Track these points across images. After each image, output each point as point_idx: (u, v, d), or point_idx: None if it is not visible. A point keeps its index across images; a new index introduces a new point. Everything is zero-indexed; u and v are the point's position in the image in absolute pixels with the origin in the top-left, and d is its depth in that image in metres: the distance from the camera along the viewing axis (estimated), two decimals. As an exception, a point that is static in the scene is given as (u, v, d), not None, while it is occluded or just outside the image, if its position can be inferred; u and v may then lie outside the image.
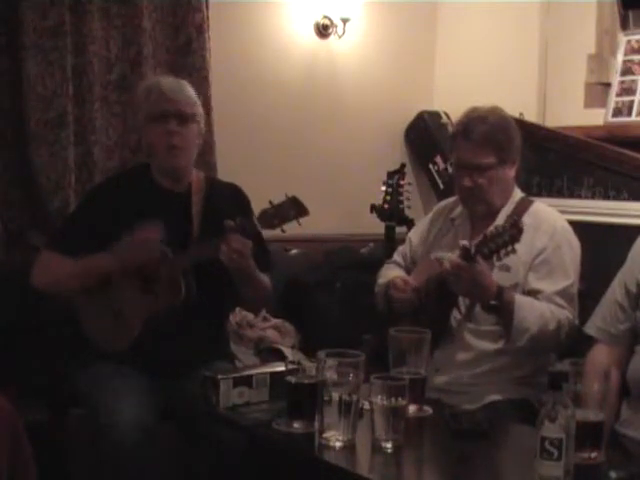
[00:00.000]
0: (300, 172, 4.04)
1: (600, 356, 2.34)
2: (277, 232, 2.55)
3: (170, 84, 2.72)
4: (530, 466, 1.71)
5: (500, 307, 2.47)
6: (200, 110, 2.76)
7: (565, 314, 2.52)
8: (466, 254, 2.38)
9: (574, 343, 2.53)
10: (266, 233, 2.61)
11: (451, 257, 2.43)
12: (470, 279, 2.40)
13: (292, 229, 2.58)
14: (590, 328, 2.43)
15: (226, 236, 2.47)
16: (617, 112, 3.72)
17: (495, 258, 2.40)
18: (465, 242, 2.45)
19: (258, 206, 2.63)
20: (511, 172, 2.66)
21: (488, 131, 2.58)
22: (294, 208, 2.48)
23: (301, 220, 2.52)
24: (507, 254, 2.37)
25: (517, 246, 2.35)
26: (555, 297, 2.53)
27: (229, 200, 2.76)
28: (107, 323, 2.64)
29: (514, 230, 2.33)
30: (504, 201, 2.67)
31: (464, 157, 2.62)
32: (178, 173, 2.73)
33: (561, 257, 2.58)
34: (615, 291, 2.38)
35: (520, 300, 2.49)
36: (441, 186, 4.19)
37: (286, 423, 2.04)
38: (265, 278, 2.72)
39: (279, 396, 2.15)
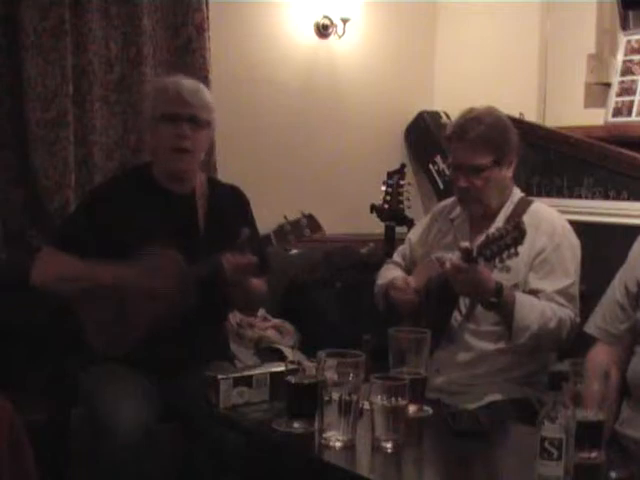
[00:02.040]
0: (300, 172, 4.05)
1: (600, 355, 2.34)
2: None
3: (190, 86, 2.67)
4: (530, 466, 1.71)
5: (500, 305, 2.47)
6: (214, 116, 2.72)
7: (566, 312, 2.52)
8: (468, 256, 2.38)
9: (574, 343, 2.53)
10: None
11: (452, 258, 2.43)
12: (470, 281, 2.40)
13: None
14: (590, 327, 2.43)
15: (233, 254, 2.48)
16: (617, 112, 3.72)
17: (497, 260, 2.39)
18: (467, 244, 2.44)
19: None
20: (508, 172, 2.66)
21: (483, 132, 2.58)
22: (310, 226, 2.50)
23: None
24: (509, 257, 2.36)
25: (519, 248, 2.35)
26: (556, 296, 2.53)
27: (231, 201, 2.76)
28: (108, 326, 2.63)
29: (516, 232, 2.32)
30: (502, 201, 2.66)
31: (460, 158, 2.62)
32: (181, 176, 2.71)
33: (561, 257, 2.57)
34: (615, 291, 2.37)
35: (520, 298, 2.49)
36: (441, 186, 4.19)
37: (286, 423, 2.04)
38: (260, 284, 2.72)
39: (279, 396, 2.15)
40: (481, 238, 2.46)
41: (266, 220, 2.63)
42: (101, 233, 2.63)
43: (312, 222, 2.52)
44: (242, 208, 2.76)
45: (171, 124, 2.63)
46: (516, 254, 2.36)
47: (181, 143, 2.63)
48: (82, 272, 2.61)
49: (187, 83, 2.69)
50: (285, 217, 2.50)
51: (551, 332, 2.49)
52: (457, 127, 2.63)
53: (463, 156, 2.60)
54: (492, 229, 2.49)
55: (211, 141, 2.86)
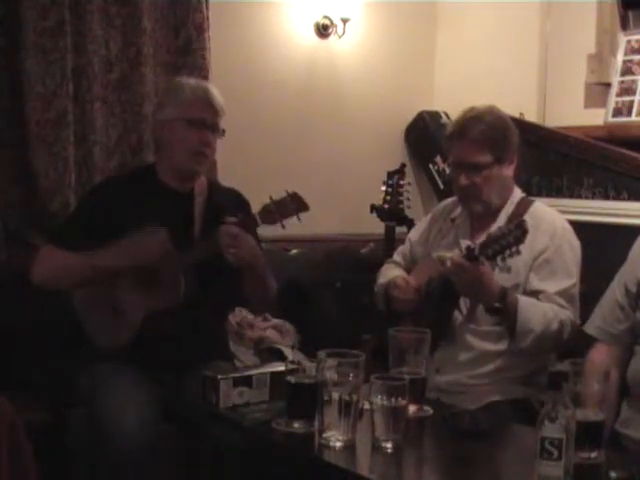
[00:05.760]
0: (300, 172, 4.04)
1: (600, 356, 2.34)
2: (278, 231, 2.56)
3: (217, 94, 2.71)
4: (530, 466, 1.71)
5: (503, 309, 2.47)
6: None
7: (567, 314, 2.52)
8: (470, 254, 2.38)
9: (574, 343, 2.53)
10: (267, 231, 2.63)
11: (454, 256, 2.43)
12: (472, 280, 2.40)
13: (292, 229, 2.58)
14: (590, 328, 2.43)
15: (223, 228, 2.49)
16: (617, 112, 3.72)
17: (499, 259, 2.39)
18: (469, 243, 2.45)
19: (258, 205, 2.64)
20: (509, 171, 2.66)
21: (484, 130, 2.58)
22: (294, 203, 2.52)
23: (302, 219, 2.55)
24: (511, 255, 2.36)
25: (521, 247, 2.35)
26: (556, 297, 2.53)
27: (230, 204, 2.76)
28: (107, 320, 2.64)
29: (519, 231, 2.32)
30: (503, 200, 2.67)
31: (461, 156, 2.62)
32: (192, 177, 2.74)
33: (562, 257, 2.57)
34: (615, 291, 2.38)
35: (523, 301, 2.49)
36: (441, 186, 4.20)
37: (286, 423, 2.04)
38: (272, 279, 2.72)
39: (279, 396, 2.15)
40: (482, 238, 2.46)
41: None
42: (100, 230, 2.63)
43: (297, 200, 2.53)
44: (242, 211, 2.76)
45: (196, 129, 2.65)
46: (518, 253, 2.36)
47: (204, 149, 2.67)
48: (79, 263, 2.61)
49: (214, 90, 2.72)
50: (270, 197, 2.52)
51: (553, 334, 2.49)
52: (458, 126, 2.64)
53: (464, 154, 2.60)
54: (494, 228, 2.49)
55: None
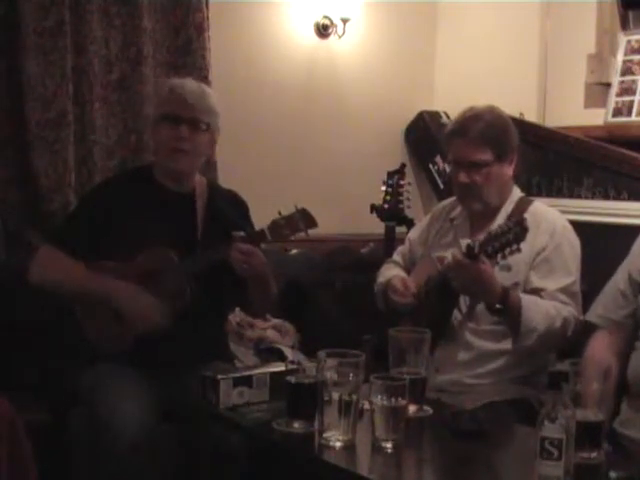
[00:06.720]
0: (300, 172, 4.05)
1: (600, 346, 2.33)
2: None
3: (194, 89, 2.68)
4: (530, 466, 1.71)
5: (506, 309, 2.47)
6: (217, 121, 2.71)
7: (570, 310, 2.52)
8: (470, 252, 2.38)
9: (576, 342, 2.52)
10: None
11: (454, 254, 2.43)
12: (472, 278, 2.40)
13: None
14: (591, 316, 2.42)
15: (235, 245, 2.50)
16: (617, 112, 3.72)
17: (499, 257, 2.39)
18: (469, 241, 2.45)
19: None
20: (508, 170, 2.66)
21: (484, 128, 2.59)
22: (303, 220, 2.53)
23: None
24: (511, 253, 2.36)
25: (521, 245, 2.35)
26: (558, 294, 2.53)
27: (230, 205, 2.77)
28: (107, 324, 2.63)
29: (518, 229, 2.33)
30: (502, 200, 2.67)
31: (461, 154, 2.62)
32: (179, 176, 2.73)
33: (562, 255, 2.58)
34: (617, 281, 2.37)
35: (526, 300, 2.48)
36: (441, 186, 4.20)
37: (286, 423, 2.03)
38: (274, 284, 2.73)
39: (279, 396, 2.14)
40: (482, 237, 2.46)
41: (266, 220, 2.63)
42: (100, 230, 2.64)
43: (306, 216, 2.55)
44: (241, 213, 2.77)
45: (171, 125, 2.64)
46: (518, 250, 2.35)
47: (180, 144, 2.64)
48: (79, 281, 2.62)
49: (192, 86, 2.71)
50: (279, 212, 2.53)
51: (557, 331, 2.49)
52: (457, 125, 2.64)
53: (464, 152, 2.61)
54: (494, 226, 2.49)
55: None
